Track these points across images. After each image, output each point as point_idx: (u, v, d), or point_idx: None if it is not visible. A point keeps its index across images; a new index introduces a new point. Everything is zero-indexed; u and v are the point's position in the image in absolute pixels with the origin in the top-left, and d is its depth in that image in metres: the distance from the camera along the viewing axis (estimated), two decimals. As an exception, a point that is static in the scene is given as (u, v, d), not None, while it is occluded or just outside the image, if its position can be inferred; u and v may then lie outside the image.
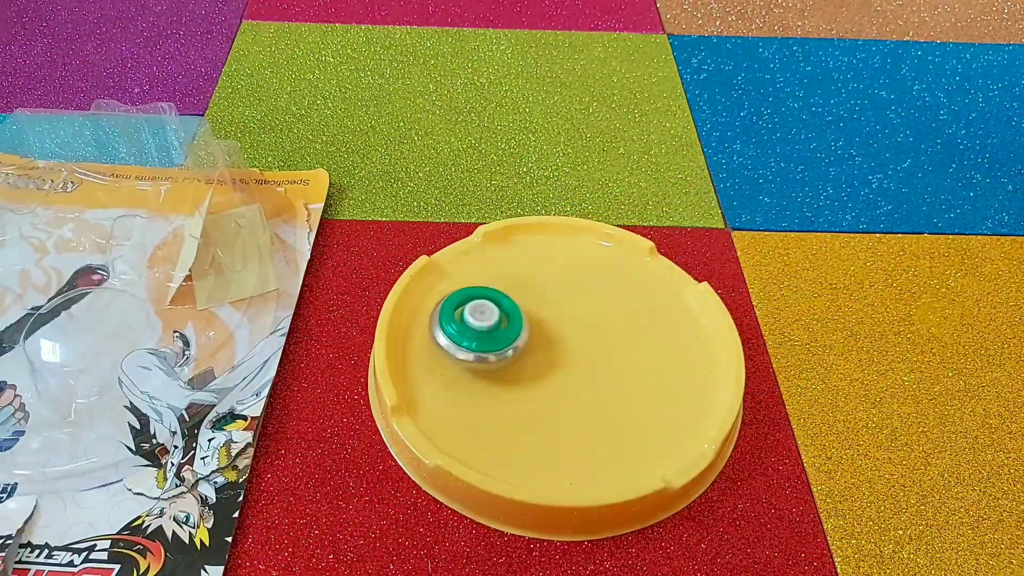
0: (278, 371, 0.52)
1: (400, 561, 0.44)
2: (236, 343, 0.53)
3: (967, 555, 0.46)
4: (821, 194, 0.69)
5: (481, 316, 0.49)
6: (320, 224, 0.63)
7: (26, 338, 0.53)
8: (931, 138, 0.75)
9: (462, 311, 0.50)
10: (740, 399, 0.49)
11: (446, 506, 0.47)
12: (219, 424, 0.49)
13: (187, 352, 0.53)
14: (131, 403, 0.50)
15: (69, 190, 0.63)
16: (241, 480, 0.47)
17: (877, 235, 0.65)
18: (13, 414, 0.49)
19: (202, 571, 0.43)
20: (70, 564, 0.43)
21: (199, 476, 0.47)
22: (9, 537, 0.43)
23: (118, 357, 0.52)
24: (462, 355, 0.49)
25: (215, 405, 0.50)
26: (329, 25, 0.85)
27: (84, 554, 0.43)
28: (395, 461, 0.49)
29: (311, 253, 0.60)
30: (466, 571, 0.44)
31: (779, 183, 0.69)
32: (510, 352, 0.49)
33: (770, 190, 0.69)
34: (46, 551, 0.43)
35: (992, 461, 0.51)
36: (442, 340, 0.49)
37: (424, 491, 0.47)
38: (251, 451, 0.48)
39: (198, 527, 0.45)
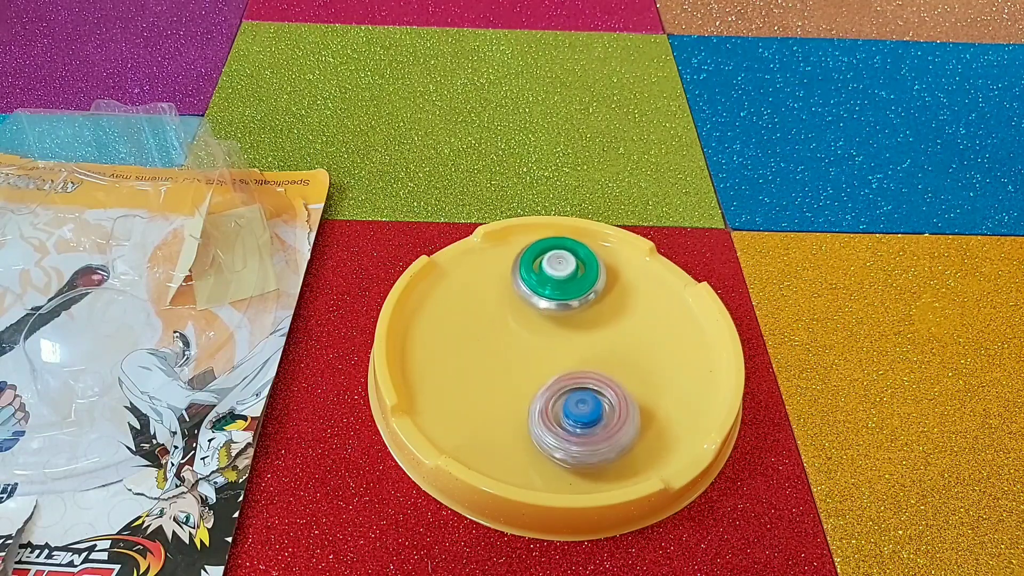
0: (278, 371, 0.52)
1: (400, 561, 0.44)
2: (236, 343, 0.53)
3: (967, 555, 0.46)
4: (821, 194, 0.69)
5: (559, 265, 0.53)
6: (320, 224, 0.63)
7: (26, 338, 0.53)
8: (931, 138, 0.75)
9: (540, 261, 0.53)
10: (740, 399, 0.49)
11: (446, 506, 0.47)
12: (219, 424, 0.49)
13: (187, 352, 0.53)
14: (131, 403, 0.50)
15: (69, 190, 0.63)
16: (241, 480, 0.47)
17: (877, 235, 0.65)
18: (13, 414, 0.49)
19: (202, 571, 0.43)
20: (70, 564, 0.43)
21: (199, 476, 0.47)
22: (9, 537, 0.43)
23: (118, 357, 0.52)
24: (543, 303, 0.52)
25: (215, 405, 0.50)
26: (329, 25, 0.85)
27: (84, 554, 0.43)
28: (395, 461, 0.49)
29: (311, 253, 0.60)
30: (466, 571, 0.44)
31: (779, 183, 0.69)
32: (591, 296, 0.53)
33: (770, 190, 0.69)
34: (46, 551, 0.43)
35: (992, 461, 0.51)
36: (522, 289, 0.53)
37: (424, 491, 0.47)
38: (251, 451, 0.48)
39: (198, 527, 0.45)
